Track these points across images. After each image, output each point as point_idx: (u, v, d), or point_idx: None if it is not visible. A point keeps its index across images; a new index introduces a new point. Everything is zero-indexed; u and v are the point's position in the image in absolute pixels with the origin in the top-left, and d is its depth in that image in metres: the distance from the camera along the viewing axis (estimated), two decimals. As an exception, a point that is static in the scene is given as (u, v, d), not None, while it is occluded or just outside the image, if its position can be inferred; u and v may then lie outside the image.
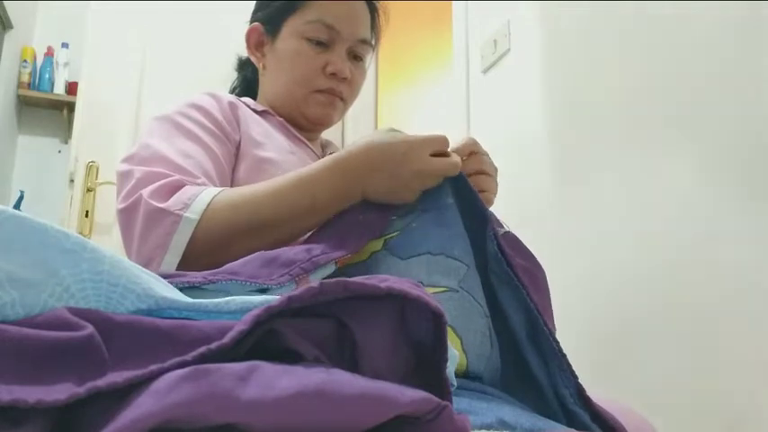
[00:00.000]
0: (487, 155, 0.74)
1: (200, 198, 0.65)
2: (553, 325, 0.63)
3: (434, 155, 0.64)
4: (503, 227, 0.67)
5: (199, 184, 0.70)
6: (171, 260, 0.64)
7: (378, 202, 0.64)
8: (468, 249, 0.62)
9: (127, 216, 0.69)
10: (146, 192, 0.67)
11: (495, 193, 0.76)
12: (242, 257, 0.65)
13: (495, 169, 0.76)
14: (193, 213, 0.64)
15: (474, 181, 0.69)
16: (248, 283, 0.50)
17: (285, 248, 0.57)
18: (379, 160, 0.63)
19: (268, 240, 0.65)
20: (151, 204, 0.65)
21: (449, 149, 0.66)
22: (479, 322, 0.59)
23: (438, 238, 0.60)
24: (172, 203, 0.65)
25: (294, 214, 0.65)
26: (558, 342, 0.57)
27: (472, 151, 0.71)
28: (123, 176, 0.72)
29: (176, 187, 0.67)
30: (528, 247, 0.69)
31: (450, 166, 0.64)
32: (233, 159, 0.80)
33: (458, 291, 0.58)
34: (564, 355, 0.56)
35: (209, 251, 0.64)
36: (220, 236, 0.65)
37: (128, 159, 0.73)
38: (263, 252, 0.56)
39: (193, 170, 0.72)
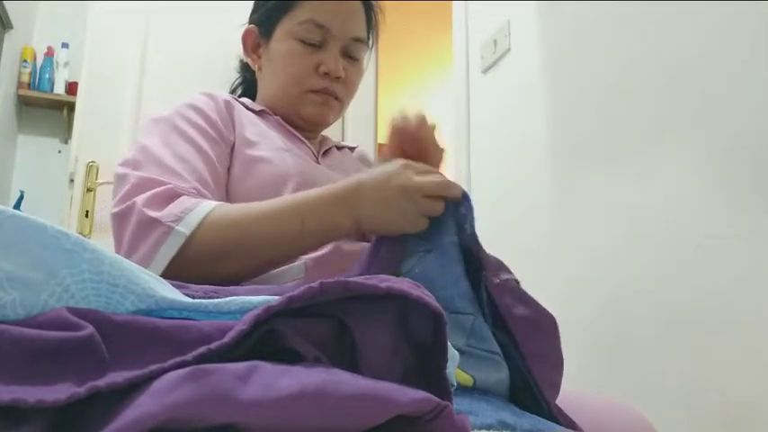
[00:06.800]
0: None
1: (195, 213, 0.66)
2: (560, 373, 0.61)
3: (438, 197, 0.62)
4: (505, 274, 0.63)
5: (193, 192, 0.70)
6: (153, 272, 0.63)
7: (378, 230, 0.63)
8: (469, 294, 0.59)
9: (119, 221, 0.69)
10: (140, 200, 0.67)
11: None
12: (227, 276, 0.66)
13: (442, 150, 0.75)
14: (185, 227, 0.65)
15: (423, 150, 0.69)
16: None
17: (295, 286, 0.56)
18: (368, 183, 0.64)
19: (255, 261, 0.67)
20: (144, 213, 0.66)
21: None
22: (497, 376, 0.55)
23: (441, 287, 0.57)
24: (164, 214, 0.66)
25: (283, 238, 0.66)
26: (547, 402, 0.55)
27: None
28: (119, 180, 0.73)
29: (171, 197, 0.68)
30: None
31: (437, 183, 0.62)
32: (228, 160, 0.81)
33: (464, 352, 0.55)
34: (555, 420, 0.55)
35: (195, 266, 0.65)
36: (209, 252, 0.65)
37: (125, 163, 0.74)
38: (272, 287, 0.56)
39: (188, 175, 0.72)
